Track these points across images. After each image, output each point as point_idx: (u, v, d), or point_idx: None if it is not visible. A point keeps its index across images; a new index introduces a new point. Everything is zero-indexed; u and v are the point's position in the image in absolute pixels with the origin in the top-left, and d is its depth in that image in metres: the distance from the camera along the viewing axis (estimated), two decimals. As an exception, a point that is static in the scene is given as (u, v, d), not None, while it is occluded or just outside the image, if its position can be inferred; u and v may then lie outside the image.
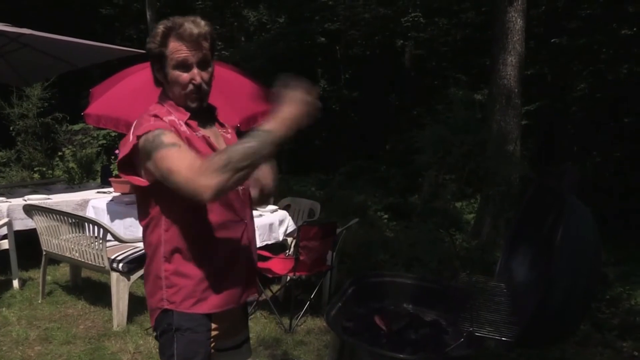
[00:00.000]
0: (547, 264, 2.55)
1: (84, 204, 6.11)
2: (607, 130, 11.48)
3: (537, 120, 11.67)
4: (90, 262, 4.75)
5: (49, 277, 5.58)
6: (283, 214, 5.62)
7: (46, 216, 4.95)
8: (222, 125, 2.17)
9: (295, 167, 12.95)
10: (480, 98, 10.84)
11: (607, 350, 4.28)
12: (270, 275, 4.82)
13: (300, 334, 4.56)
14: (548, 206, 2.95)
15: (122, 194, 6.34)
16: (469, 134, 5.95)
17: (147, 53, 1.99)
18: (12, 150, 11.34)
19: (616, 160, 11.35)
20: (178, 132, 1.90)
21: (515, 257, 3.40)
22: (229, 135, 2.16)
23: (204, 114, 2.07)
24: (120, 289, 4.57)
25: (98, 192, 6.62)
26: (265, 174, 2.21)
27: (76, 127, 11.42)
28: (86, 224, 4.78)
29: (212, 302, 1.99)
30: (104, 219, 5.43)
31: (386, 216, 9.57)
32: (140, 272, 4.65)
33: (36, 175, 10.87)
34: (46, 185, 7.59)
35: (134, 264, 4.63)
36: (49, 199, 6.04)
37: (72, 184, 8.70)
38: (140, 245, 4.81)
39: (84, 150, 11.01)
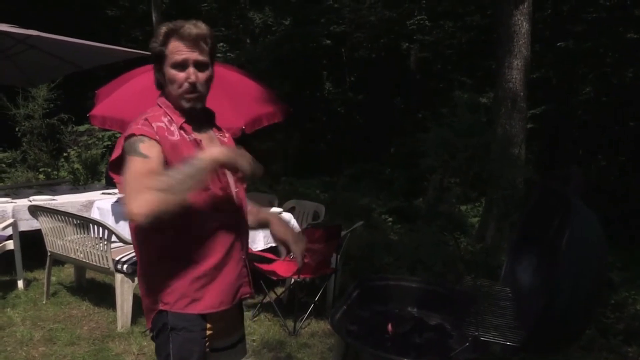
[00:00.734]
0: (552, 268, 2.54)
1: (89, 205, 6.12)
2: (612, 133, 11.45)
3: (543, 123, 11.64)
4: (94, 263, 4.76)
5: (53, 278, 5.59)
6: (288, 216, 5.61)
7: (51, 217, 4.96)
8: (219, 129, 2.19)
9: (300, 170, 12.95)
10: (486, 101, 10.83)
11: (612, 355, 4.27)
12: (274, 278, 4.82)
13: (304, 337, 4.56)
14: (553, 210, 2.94)
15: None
16: (474, 137, 5.92)
17: (150, 51, 2.03)
18: (17, 151, 11.38)
19: (621, 163, 11.32)
20: (164, 140, 1.93)
21: (520, 261, 3.40)
22: (225, 140, 2.18)
23: (201, 118, 2.10)
24: (124, 290, 4.57)
25: (103, 194, 6.63)
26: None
27: (81, 128, 11.46)
28: (91, 225, 4.79)
29: (206, 303, 2.01)
30: (109, 220, 5.43)
31: (390, 219, 9.56)
32: (145, 274, 4.65)
33: (41, 176, 10.91)
34: (51, 186, 7.61)
35: (138, 265, 4.63)
36: (54, 200, 6.06)
37: (77, 185, 8.73)
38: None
39: (89, 152, 11.04)
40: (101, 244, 4.64)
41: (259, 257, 4.79)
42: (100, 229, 4.65)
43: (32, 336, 4.40)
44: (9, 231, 5.38)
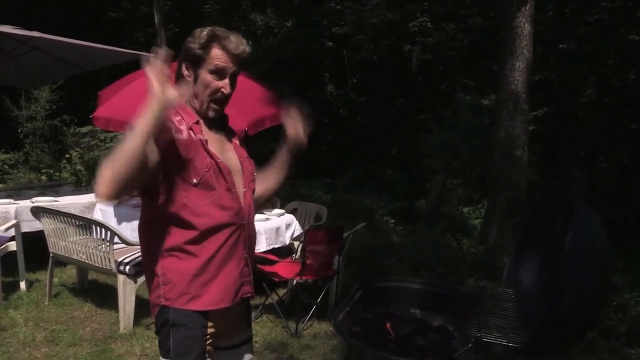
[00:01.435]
0: (555, 270, 2.54)
1: (91, 206, 6.12)
2: (613, 135, 11.45)
3: (544, 125, 11.65)
4: (97, 265, 4.76)
5: (55, 279, 5.59)
6: (290, 217, 5.62)
7: (54, 218, 4.97)
8: (231, 132, 2.21)
9: (302, 171, 12.95)
10: (488, 103, 10.83)
11: (614, 357, 4.26)
12: (276, 279, 4.82)
13: (307, 338, 4.56)
14: (556, 212, 2.94)
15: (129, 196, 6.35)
16: (476, 139, 5.92)
17: (185, 50, 2.06)
18: (20, 153, 11.38)
19: (622, 165, 11.31)
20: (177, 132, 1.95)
21: (522, 262, 3.40)
22: (236, 141, 2.21)
23: (215, 121, 2.13)
24: (126, 291, 4.58)
25: (105, 195, 6.61)
26: (269, 176, 2.34)
27: (84, 129, 11.45)
28: (93, 226, 4.79)
29: (206, 300, 2.03)
30: (111, 222, 5.44)
31: (392, 221, 9.56)
32: (147, 275, 4.66)
33: (43, 178, 10.92)
34: (53, 188, 7.61)
35: (140, 266, 4.63)
36: (56, 201, 6.06)
37: (80, 187, 8.73)
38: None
39: (91, 153, 11.04)
40: (103, 245, 4.65)
41: (262, 259, 4.79)
42: (103, 230, 4.65)
43: (35, 337, 4.40)
44: (12, 232, 5.38)
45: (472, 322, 2.76)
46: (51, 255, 5.13)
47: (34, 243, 5.53)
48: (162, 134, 1.87)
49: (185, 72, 2.06)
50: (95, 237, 4.77)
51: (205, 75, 2.02)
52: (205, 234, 2.00)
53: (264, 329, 4.66)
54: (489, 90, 11.53)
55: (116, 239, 4.66)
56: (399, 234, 8.44)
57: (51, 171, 11.15)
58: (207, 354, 2.05)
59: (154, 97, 1.81)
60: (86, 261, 4.84)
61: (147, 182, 1.91)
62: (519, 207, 5.85)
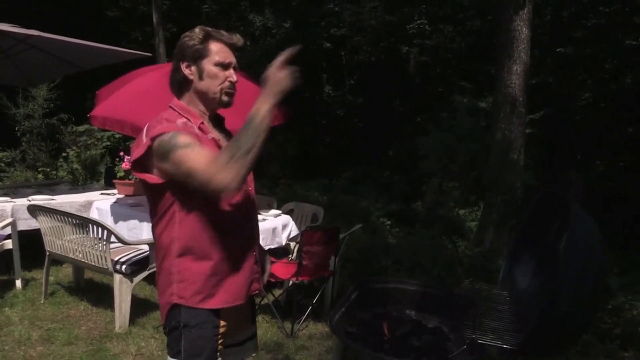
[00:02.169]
0: (550, 273, 2.55)
1: (88, 205, 6.12)
2: (610, 139, 11.47)
3: (541, 128, 11.67)
4: (93, 264, 4.76)
5: (51, 278, 5.59)
6: (286, 218, 5.62)
7: (50, 217, 4.96)
8: (228, 134, 2.23)
9: (299, 172, 12.96)
10: (485, 106, 10.85)
11: (609, 360, 4.28)
12: (272, 280, 4.82)
13: (302, 339, 4.56)
14: (552, 215, 2.95)
15: (126, 195, 6.35)
16: (472, 141, 5.94)
17: (182, 47, 2.09)
18: (16, 151, 11.38)
19: (619, 169, 11.34)
20: (191, 133, 1.97)
21: (518, 265, 3.41)
22: None
23: (214, 122, 2.17)
24: (122, 290, 4.58)
25: (102, 194, 6.63)
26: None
27: (81, 128, 11.45)
28: (90, 225, 4.79)
29: (220, 298, 2.04)
30: (108, 221, 5.44)
31: (389, 222, 9.57)
32: (143, 275, 4.66)
33: (40, 176, 10.91)
34: (50, 186, 7.60)
35: (137, 266, 4.64)
36: (53, 199, 6.06)
37: (76, 185, 8.72)
38: (144, 247, 4.85)
39: (88, 152, 11.03)
40: (100, 244, 4.65)
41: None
42: (100, 229, 4.65)
43: (30, 336, 4.40)
44: (8, 230, 5.38)
45: (468, 324, 2.76)
46: (47, 253, 5.12)
47: (31, 241, 5.53)
48: None
49: (187, 71, 2.07)
50: (91, 236, 4.77)
51: (211, 67, 2.06)
52: (222, 232, 2.02)
53: (259, 329, 4.62)
54: (486, 93, 11.55)
55: (113, 238, 4.66)
56: (395, 236, 8.45)
57: (48, 170, 11.14)
58: (218, 353, 2.07)
59: (282, 85, 1.88)
60: (82, 260, 4.84)
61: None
62: (515, 209, 5.87)
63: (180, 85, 2.11)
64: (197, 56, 2.05)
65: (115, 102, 5.39)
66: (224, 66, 2.08)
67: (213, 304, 2.03)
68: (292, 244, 5.59)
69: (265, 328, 4.72)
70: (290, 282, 4.85)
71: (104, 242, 4.60)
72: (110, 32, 14.80)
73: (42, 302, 5.13)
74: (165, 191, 1.99)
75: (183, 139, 1.89)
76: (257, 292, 2.22)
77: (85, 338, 4.40)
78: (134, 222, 5.39)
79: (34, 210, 5.11)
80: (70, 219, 4.86)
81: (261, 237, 5.01)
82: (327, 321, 3.40)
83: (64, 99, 11.49)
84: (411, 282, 3.86)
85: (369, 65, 15.79)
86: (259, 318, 4.88)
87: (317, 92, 15.74)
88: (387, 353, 2.98)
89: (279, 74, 1.89)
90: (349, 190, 11.58)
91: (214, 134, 2.10)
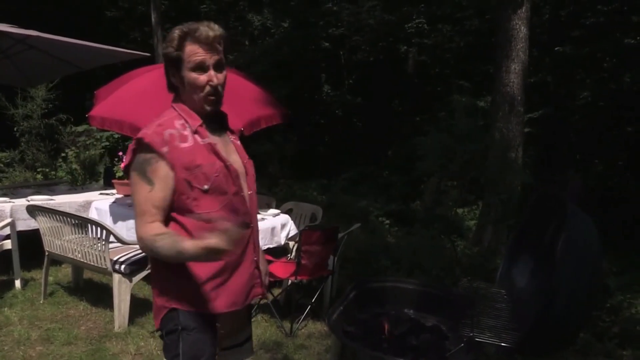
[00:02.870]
0: (548, 272, 2.56)
1: (87, 205, 6.12)
2: (609, 138, 11.47)
3: (540, 128, 11.65)
4: (92, 264, 4.76)
5: (51, 278, 5.60)
6: (285, 218, 5.63)
7: (49, 217, 4.97)
8: (232, 132, 2.21)
9: (298, 172, 12.95)
10: (483, 105, 10.85)
11: (607, 359, 4.28)
12: (271, 279, 4.82)
13: (301, 338, 4.57)
14: (550, 214, 2.96)
15: (125, 195, 6.36)
16: (471, 141, 5.94)
17: (164, 57, 2.04)
18: (15, 151, 11.37)
19: (618, 169, 11.33)
20: (174, 150, 1.95)
21: (516, 264, 3.42)
22: (238, 142, 2.21)
23: (215, 121, 2.12)
24: (122, 290, 4.58)
25: (101, 194, 6.63)
26: None
27: (79, 128, 11.46)
28: (89, 225, 4.80)
29: (219, 303, 2.04)
30: (107, 221, 5.44)
31: (388, 222, 9.56)
32: (142, 274, 4.66)
33: (39, 176, 10.91)
34: (49, 186, 7.60)
35: (136, 265, 4.64)
36: (52, 199, 6.06)
37: (75, 185, 8.72)
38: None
39: (87, 152, 11.04)
40: (99, 244, 4.65)
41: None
42: (98, 229, 4.66)
43: (30, 336, 4.40)
44: (7, 231, 5.38)
45: (466, 322, 2.77)
46: (46, 253, 5.13)
47: (30, 242, 5.54)
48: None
49: (174, 80, 2.04)
50: (90, 236, 4.78)
51: (189, 75, 1.99)
52: None
53: (258, 328, 4.67)
54: (484, 92, 11.54)
55: (112, 238, 4.66)
56: (394, 236, 8.45)
57: (47, 170, 11.14)
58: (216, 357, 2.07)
59: (213, 251, 1.80)
60: (81, 260, 4.84)
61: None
62: (513, 209, 5.87)
63: (175, 90, 2.09)
64: (177, 65, 2.00)
65: (114, 102, 5.39)
66: (202, 68, 1.98)
67: (211, 309, 2.02)
68: (291, 244, 5.59)
69: (264, 327, 4.72)
70: (289, 281, 4.86)
71: (103, 242, 4.61)
72: (110, 32, 14.78)
73: (41, 302, 5.14)
74: None
75: (151, 171, 1.93)
76: (259, 296, 2.21)
77: (84, 338, 4.40)
78: (132, 222, 5.32)
79: (33, 210, 5.11)
80: (69, 219, 4.87)
81: (260, 236, 5.04)
82: (325, 320, 3.40)
83: (62, 99, 11.49)
84: (409, 281, 3.88)
85: (368, 64, 15.76)
86: (258, 317, 4.89)
87: (315, 91, 15.72)
88: (385, 352, 2.98)
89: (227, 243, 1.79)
90: (348, 190, 11.56)
91: (211, 137, 2.06)
